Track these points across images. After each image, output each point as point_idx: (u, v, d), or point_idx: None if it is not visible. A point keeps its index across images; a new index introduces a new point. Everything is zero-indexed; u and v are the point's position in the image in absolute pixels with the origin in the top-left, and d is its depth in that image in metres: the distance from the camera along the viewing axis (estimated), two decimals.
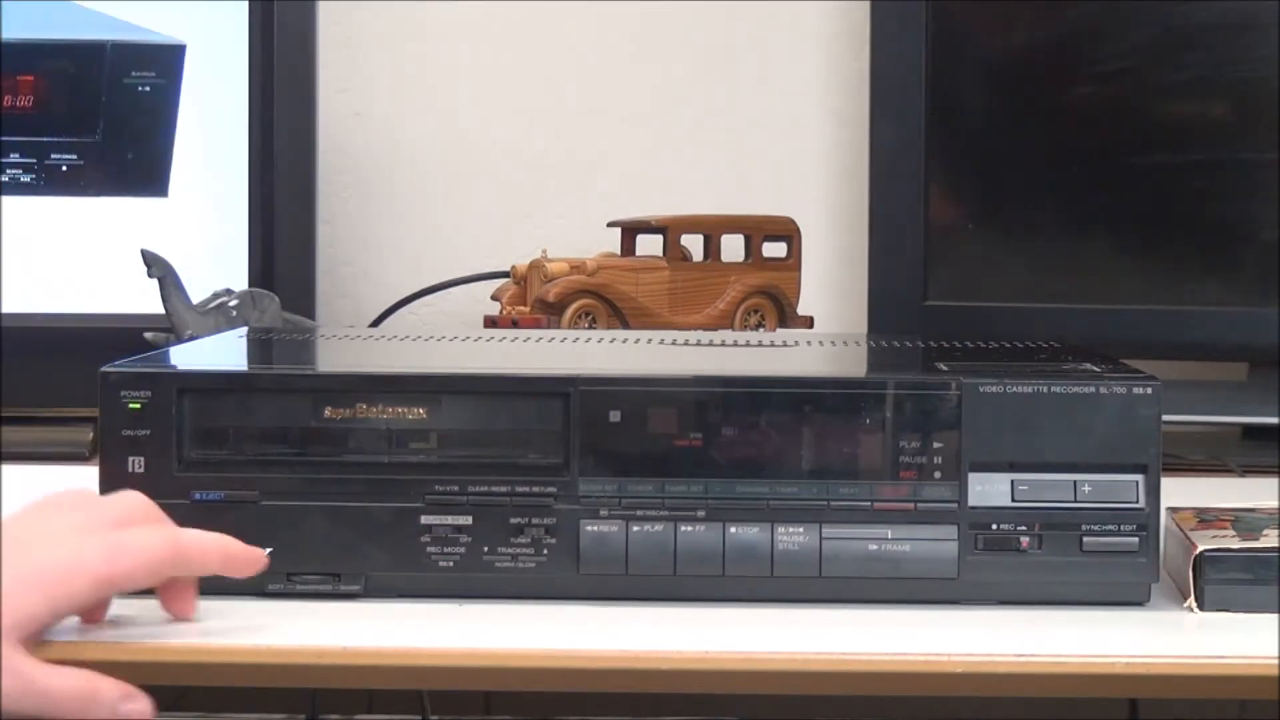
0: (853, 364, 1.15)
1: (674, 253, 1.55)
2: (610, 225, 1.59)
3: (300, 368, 1.05)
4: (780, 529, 0.95)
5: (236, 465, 0.96)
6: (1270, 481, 1.31)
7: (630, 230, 1.58)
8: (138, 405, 0.95)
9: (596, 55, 1.73)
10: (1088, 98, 1.53)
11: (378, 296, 1.70)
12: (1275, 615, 0.93)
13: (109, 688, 0.85)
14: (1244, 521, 1.01)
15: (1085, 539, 0.95)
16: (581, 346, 1.21)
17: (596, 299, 1.49)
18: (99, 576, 0.85)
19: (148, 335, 1.38)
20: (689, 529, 0.95)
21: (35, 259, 1.51)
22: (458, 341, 1.22)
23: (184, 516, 0.93)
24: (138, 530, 0.88)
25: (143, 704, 0.85)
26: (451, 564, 0.95)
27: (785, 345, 1.19)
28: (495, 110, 1.74)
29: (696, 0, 1.72)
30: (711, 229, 1.56)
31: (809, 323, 1.58)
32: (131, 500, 0.91)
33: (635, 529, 0.95)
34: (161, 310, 1.37)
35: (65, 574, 0.84)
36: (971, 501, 0.95)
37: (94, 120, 1.51)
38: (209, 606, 0.92)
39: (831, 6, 1.71)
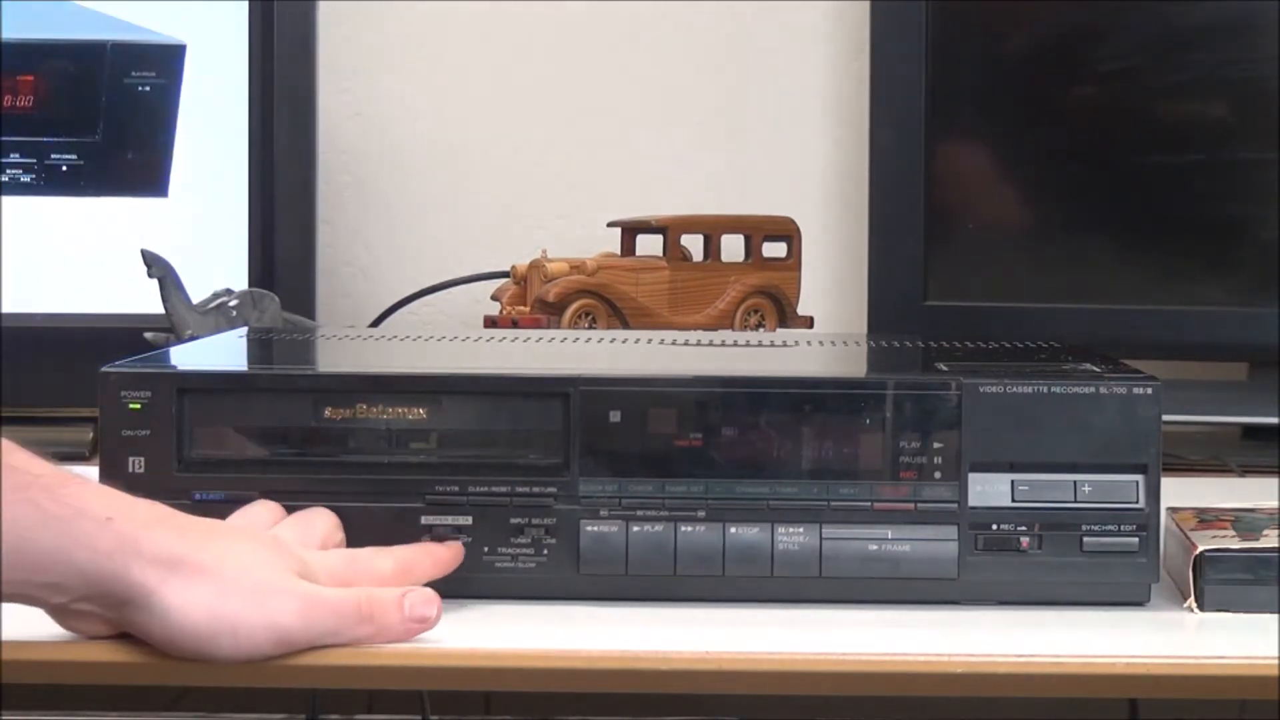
0: (853, 364, 1.15)
1: (674, 253, 1.55)
2: (610, 225, 1.59)
3: (300, 368, 1.05)
4: (780, 529, 0.95)
5: (236, 465, 0.96)
6: (1270, 481, 1.31)
7: (630, 230, 1.58)
8: (138, 405, 0.95)
9: (596, 55, 1.73)
10: (1088, 98, 1.53)
11: (378, 296, 1.70)
12: (1275, 615, 0.93)
13: (386, 591, 0.88)
14: (1244, 521, 1.01)
15: (1085, 539, 0.95)
16: (581, 346, 1.21)
17: (596, 299, 1.49)
18: (288, 641, 0.86)
19: (148, 335, 1.38)
20: (689, 529, 0.95)
21: (35, 259, 1.51)
22: (458, 341, 1.22)
23: None
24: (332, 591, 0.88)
25: (422, 595, 0.88)
26: None
27: (785, 345, 1.19)
28: (495, 110, 1.74)
29: (697, 1, 1.72)
30: (711, 229, 1.56)
31: (809, 323, 1.58)
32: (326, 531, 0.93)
33: (635, 529, 0.95)
34: (161, 310, 1.37)
35: (256, 628, 0.84)
36: (971, 501, 0.95)
37: (94, 120, 1.51)
38: None
39: (831, 6, 1.71)
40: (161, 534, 0.84)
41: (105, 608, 0.84)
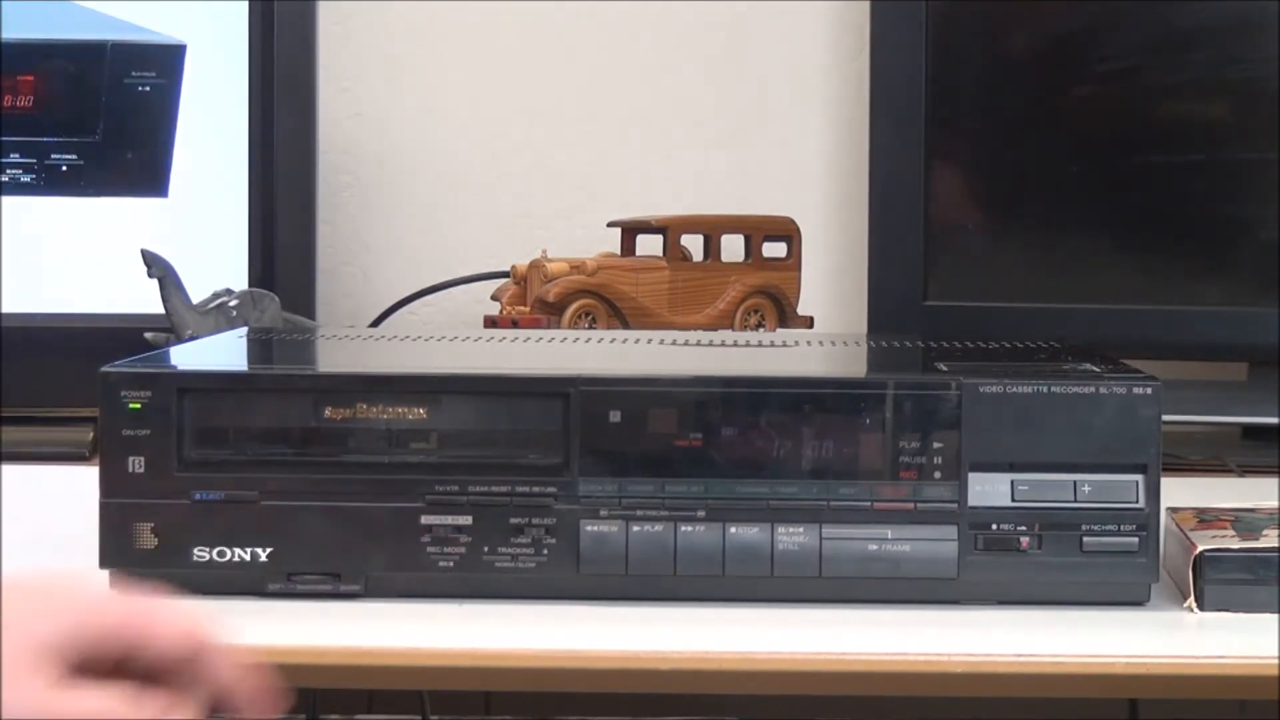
0: (853, 364, 1.15)
1: (674, 253, 1.55)
2: (610, 225, 1.59)
3: (300, 368, 1.05)
4: (780, 529, 0.95)
5: (236, 465, 0.96)
6: (1270, 481, 1.31)
7: (630, 230, 1.58)
8: (138, 405, 0.95)
9: (596, 55, 1.73)
10: (1088, 98, 1.53)
11: (378, 296, 1.70)
12: (1275, 615, 0.93)
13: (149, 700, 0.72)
14: (1244, 521, 1.01)
15: (1085, 539, 0.95)
16: (581, 346, 1.21)
17: (596, 299, 1.49)
18: None
19: (148, 335, 1.38)
20: (689, 529, 0.95)
21: (35, 259, 1.51)
22: (458, 341, 1.22)
23: (184, 516, 0.93)
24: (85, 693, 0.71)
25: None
26: (451, 564, 0.95)
27: (785, 345, 1.19)
28: (495, 110, 1.74)
29: (697, 1, 1.72)
30: (711, 229, 1.56)
31: (809, 323, 1.58)
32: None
33: (635, 529, 0.95)
34: (161, 310, 1.37)
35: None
36: (971, 501, 0.95)
37: (94, 120, 1.51)
38: (209, 606, 0.92)
39: (831, 6, 1.71)
40: None
41: None
